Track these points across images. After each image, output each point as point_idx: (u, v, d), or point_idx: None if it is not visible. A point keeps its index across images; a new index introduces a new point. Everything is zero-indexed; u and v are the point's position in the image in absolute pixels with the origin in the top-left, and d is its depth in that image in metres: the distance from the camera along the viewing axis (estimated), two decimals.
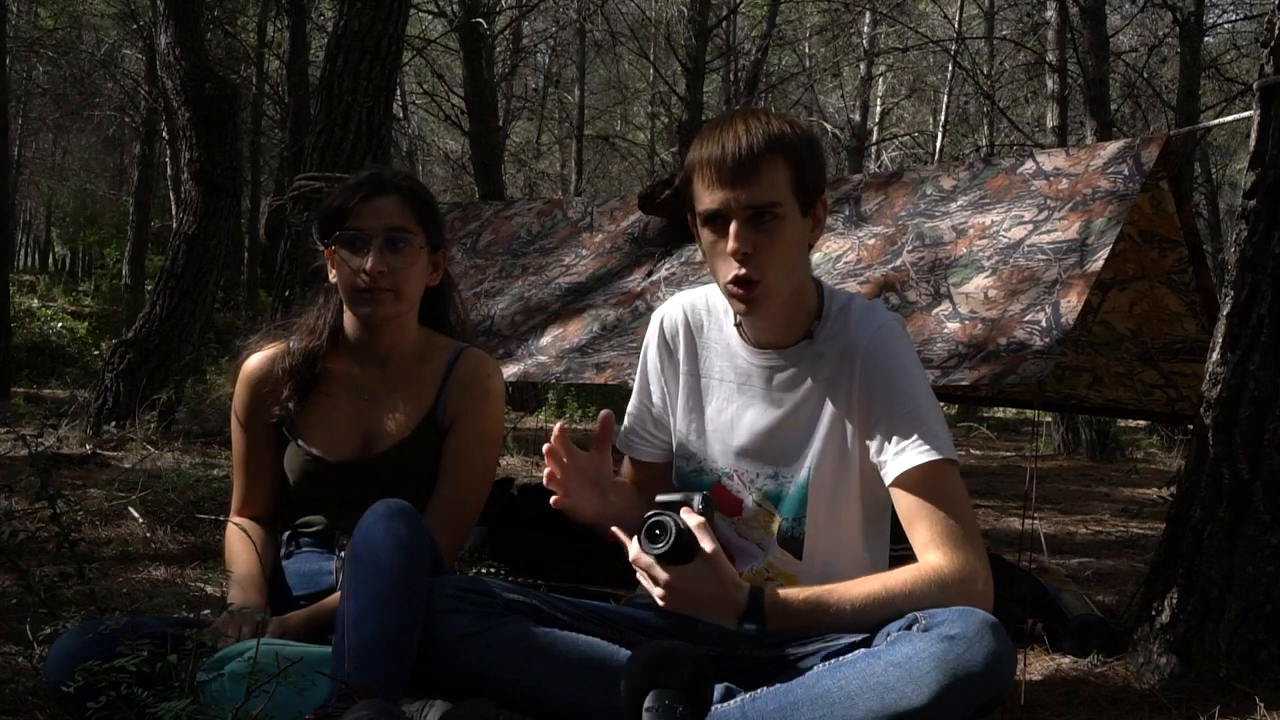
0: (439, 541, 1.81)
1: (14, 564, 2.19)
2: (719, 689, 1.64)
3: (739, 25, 17.64)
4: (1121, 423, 9.73)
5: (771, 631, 1.64)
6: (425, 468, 2.06)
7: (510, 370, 3.38)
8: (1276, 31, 2.46)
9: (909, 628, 1.55)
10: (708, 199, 1.70)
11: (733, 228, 1.68)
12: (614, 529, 1.69)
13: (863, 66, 17.10)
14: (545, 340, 3.50)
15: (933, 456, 1.67)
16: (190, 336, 6.69)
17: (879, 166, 18.09)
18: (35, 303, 16.18)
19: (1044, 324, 2.69)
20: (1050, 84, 10.33)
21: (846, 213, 3.45)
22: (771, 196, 1.68)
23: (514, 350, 3.51)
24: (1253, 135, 2.49)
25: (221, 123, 6.76)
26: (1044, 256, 2.89)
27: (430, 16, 16.25)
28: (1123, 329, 3.59)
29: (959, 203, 3.25)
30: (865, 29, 16.41)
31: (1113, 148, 3.12)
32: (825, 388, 1.78)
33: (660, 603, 1.62)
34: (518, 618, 1.71)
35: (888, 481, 1.71)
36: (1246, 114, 2.68)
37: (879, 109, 19.36)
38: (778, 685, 1.62)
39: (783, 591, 1.63)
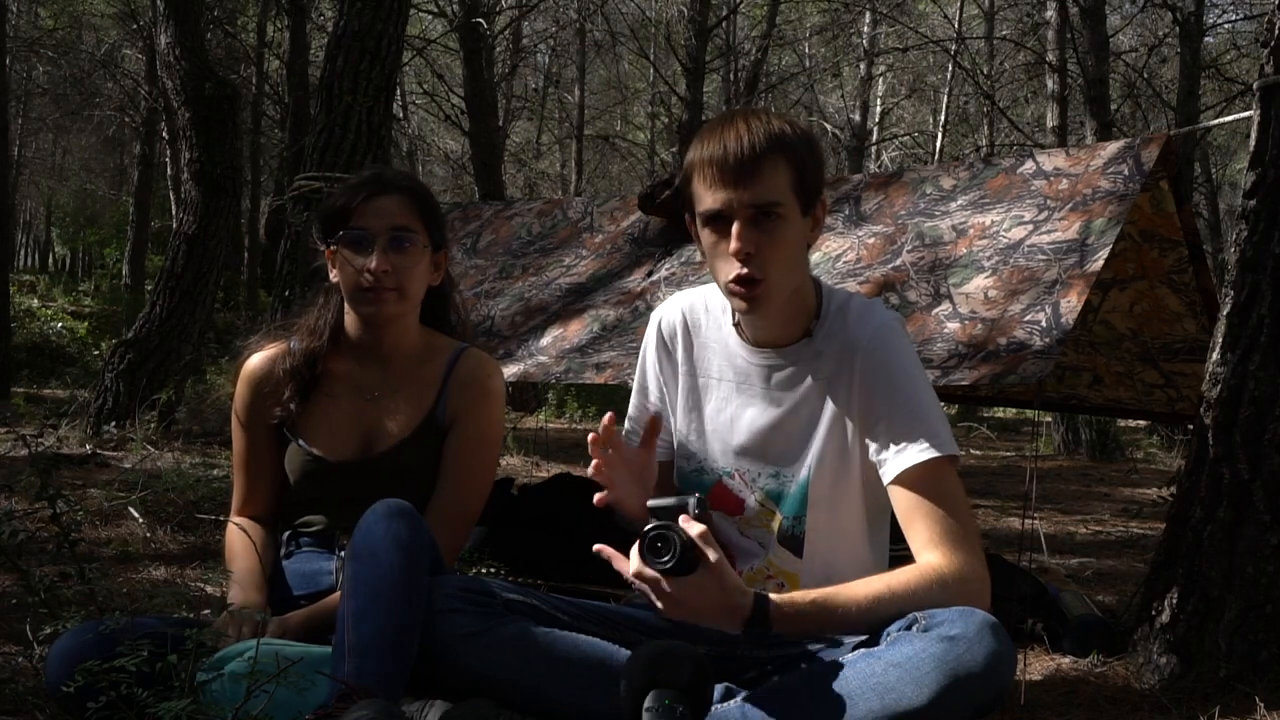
0: (439, 541, 1.81)
1: (14, 564, 2.19)
2: (719, 689, 1.64)
3: (739, 25, 17.64)
4: (1121, 423, 9.73)
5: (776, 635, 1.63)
6: (425, 468, 2.06)
7: (510, 370, 3.38)
8: (1276, 31, 2.46)
9: (909, 628, 1.55)
10: (709, 199, 1.70)
11: (735, 228, 1.68)
12: (602, 546, 1.62)
13: (863, 66, 17.10)
14: (545, 340, 3.51)
15: (934, 454, 1.67)
16: (190, 336, 6.68)
17: (879, 166, 18.09)
18: (35, 303, 16.18)
19: (1044, 324, 2.69)
20: (1050, 84, 10.33)
21: (846, 212, 3.45)
22: (773, 196, 1.68)
23: (514, 350, 3.51)
24: (1253, 135, 2.50)
25: (221, 123, 6.76)
26: (1044, 256, 2.89)
27: (430, 16, 16.26)
28: (1123, 329, 3.59)
29: (959, 202, 3.25)
30: (865, 29, 16.40)
31: (1113, 148, 3.12)
32: (825, 386, 1.77)
33: (663, 613, 1.58)
34: (518, 618, 1.70)
35: (887, 480, 1.71)
36: (1246, 114, 2.68)
37: (879, 109, 19.35)
38: (777, 685, 1.63)
39: (788, 596, 1.61)
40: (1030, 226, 3.01)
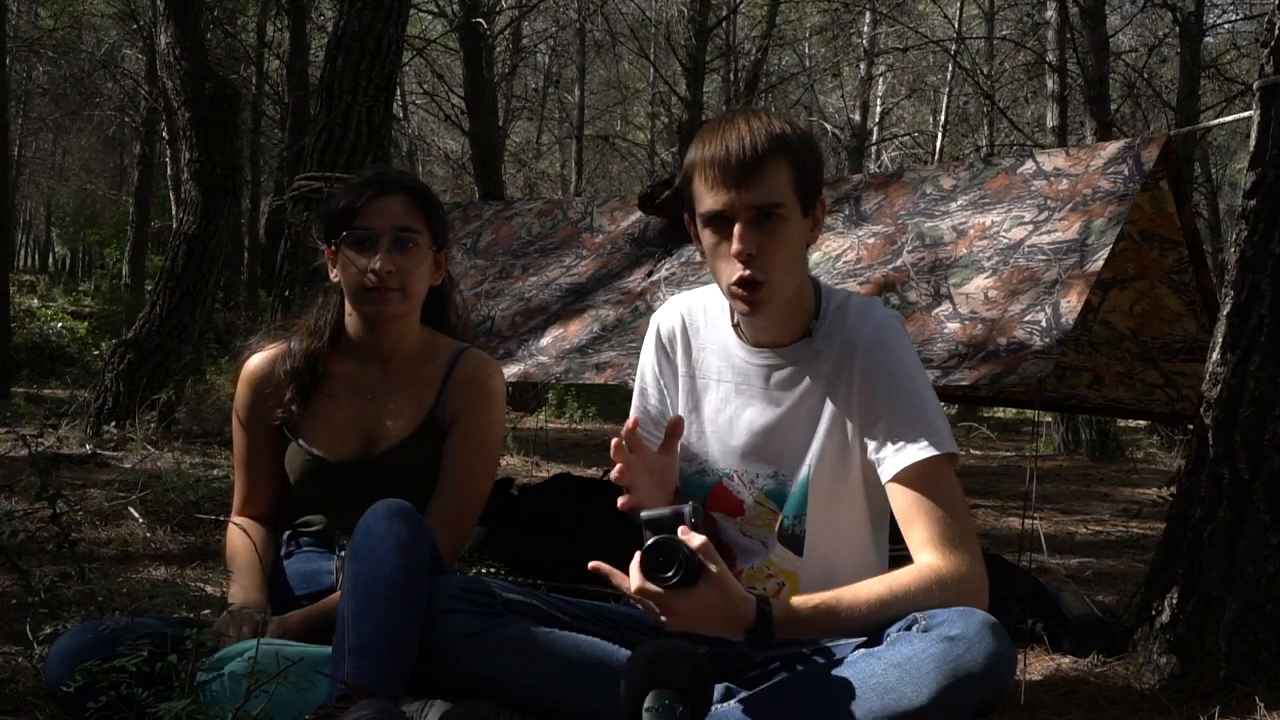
0: (439, 541, 1.81)
1: (14, 564, 2.19)
2: (719, 689, 1.64)
3: (739, 25, 17.64)
4: (1121, 423, 9.73)
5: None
6: (426, 468, 2.06)
7: (511, 370, 3.38)
8: (1276, 31, 2.46)
9: (909, 628, 1.55)
10: (710, 200, 1.69)
11: (736, 229, 1.67)
12: (598, 564, 1.59)
13: (863, 66, 17.10)
14: (545, 340, 3.51)
15: (933, 452, 1.67)
16: (190, 336, 6.68)
17: (879, 166, 18.09)
18: (35, 303, 16.17)
19: (1044, 324, 2.69)
20: (1050, 84, 10.33)
21: (846, 212, 3.45)
22: (775, 197, 1.68)
23: (514, 350, 3.51)
24: (1253, 135, 2.50)
25: (221, 123, 6.76)
26: (1044, 257, 2.89)
27: (430, 16, 16.27)
28: (1123, 329, 3.59)
29: (959, 203, 3.25)
30: (865, 29, 16.40)
31: (1113, 148, 3.12)
32: (825, 386, 1.77)
33: (666, 625, 1.56)
34: (518, 618, 1.70)
35: (886, 478, 1.70)
36: (1246, 114, 2.68)
37: (879, 109, 19.35)
38: (777, 685, 1.63)
39: (791, 601, 1.60)
40: (1030, 227, 3.01)
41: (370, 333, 2.10)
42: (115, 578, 3.00)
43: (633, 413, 1.96)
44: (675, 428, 1.76)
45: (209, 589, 2.93)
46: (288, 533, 2.10)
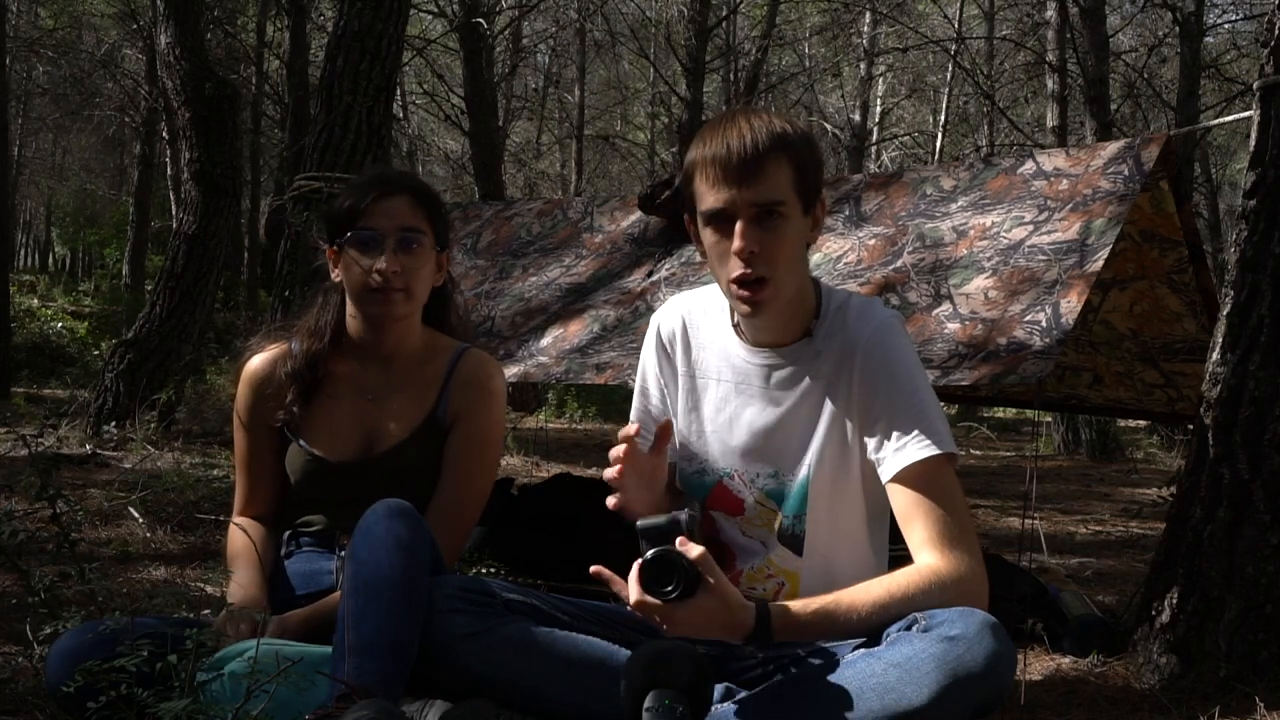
0: (439, 541, 1.81)
1: (14, 564, 2.19)
2: (719, 689, 1.64)
3: (739, 25, 17.63)
4: (1121, 423, 9.73)
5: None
6: (426, 468, 2.06)
7: (511, 371, 3.38)
8: (1276, 31, 2.46)
9: (909, 628, 1.55)
10: (711, 198, 1.69)
11: (738, 226, 1.67)
12: (599, 569, 1.60)
13: (863, 66, 17.10)
14: (546, 341, 3.50)
15: (933, 452, 1.67)
16: (190, 336, 6.69)
17: (879, 166, 18.09)
18: (35, 303, 16.18)
19: (1044, 324, 2.69)
20: (1050, 84, 10.33)
21: (847, 213, 3.45)
22: (776, 194, 1.68)
23: (514, 351, 3.51)
24: (1253, 135, 2.50)
25: (221, 123, 6.76)
26: (1044, 257, 2.89)
27: (430, 16, 16.26)
28: (1123, 329, 3.59)
29: (959, 203, 3.25)
30: (865, 29, 16.40)
31: (1113, 148, 3.12)
32: (825, 386, 1.77)
33: (665, 633, 1.56)
34: (518, 618, 1.70)
35: (886, 477, 1.70)
36: (1246, 114, 2.68)
37: (879, 109, 19.35)
38: (777, 685, 1.63)
39: (790, 605, 1.60)
40: (1030, 227, 3.01)
41: (373, 333, 2.10)
42: (115, 578, 3.00)
43: (633, 413, 1.97)
44: (664, 432, 1.76)
45: (209, 589, 2.93)
46: (288, 533, 2.10)
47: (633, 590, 1.53)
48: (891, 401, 1.71)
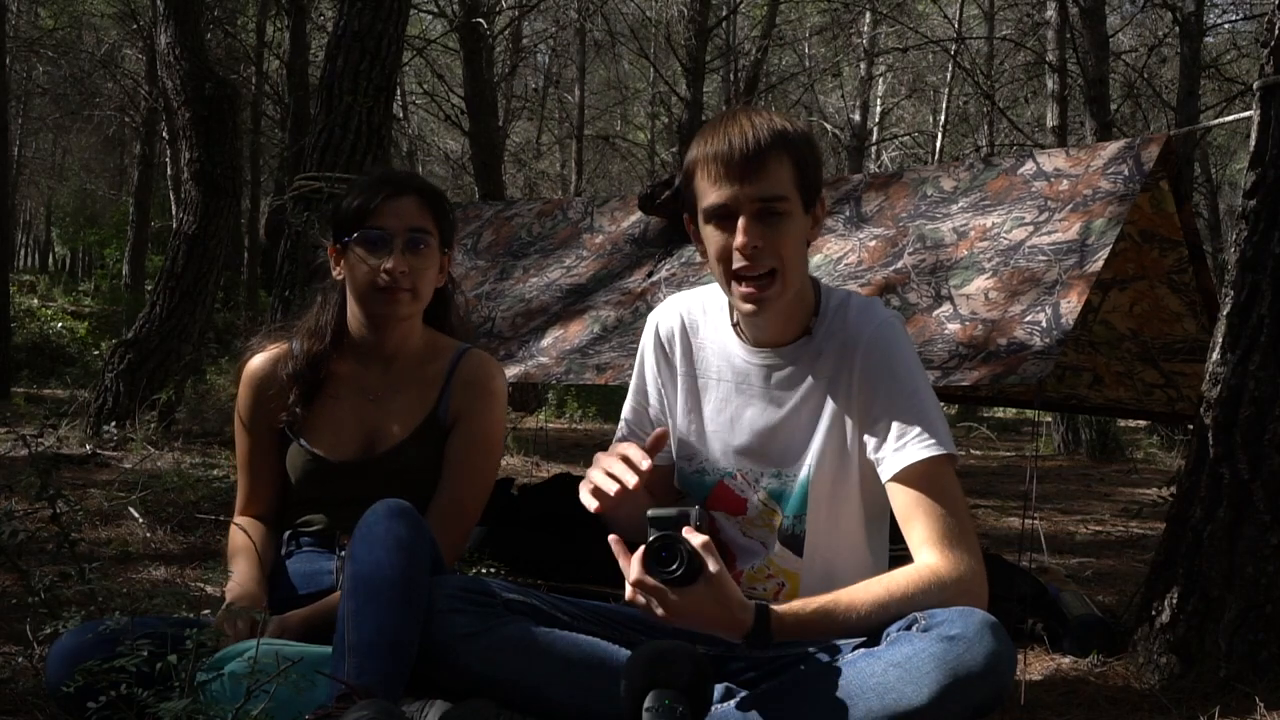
0: (440, 541, 1.81)
1: (14, 564, 2.19)
2: (719, 689, 1.64)
3: (739, 25, 17.64)
4: (1121, 423, 9.73)
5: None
6: (427, 468, 2.06)
7: (511, 371, 3.38)
8: (1276, 31, 2.46)
9: (909, 628, 1.55)
10: (713, 194, 1.69)
11: (741, 222, 1.67)
12: (616, 538, 1.60)
13: (863, 66, 17.10)
14: (546, 341, 3.51)
15: (935, 451, 1.67)
16: (190, 336, 6.68)
17: (879, 166, 18.09)
18: (35, 303, 16.18)
19: (1044, 324, 2.69)
20: (1050, 84, 10.33)
21: (847, 213, 3.45)
22: (778, 190, 1.68)
23: (515, 351, 3.51)
24: (1253, 135, 2.50)
25: (221, 123, 6.76)
26: (1044, 258, 2.89)
27: (430, 16, 16.26)
28: (1123, 329, 3.59)
29: (960, 204, 3.25)
30: (865, 29, 16.40)
31: (1113, 148, 3.12)
32: (825, 385, 1.77)
33: (663, 620, 1.57)
34: (518, 618, 1.70)
35: (886, 477, 1.71)
36: (1246, 114, 2.68)
37: (879, 109, 19.35)
38: (777, 685, 1.63)
39: (790, 606, 1.60)
40: (1031, 228, 3.01)
41: (375, 333, 2.10)
42: (115, 578, 3.00)
43: (628, 411, 1.96)
44: (658, 440, 1.75)
45: (209, 589, 2.93)
46: (288, 532, 2.10)
47: (634, 569, 1.54)
48: (892, 401, 1.71)
